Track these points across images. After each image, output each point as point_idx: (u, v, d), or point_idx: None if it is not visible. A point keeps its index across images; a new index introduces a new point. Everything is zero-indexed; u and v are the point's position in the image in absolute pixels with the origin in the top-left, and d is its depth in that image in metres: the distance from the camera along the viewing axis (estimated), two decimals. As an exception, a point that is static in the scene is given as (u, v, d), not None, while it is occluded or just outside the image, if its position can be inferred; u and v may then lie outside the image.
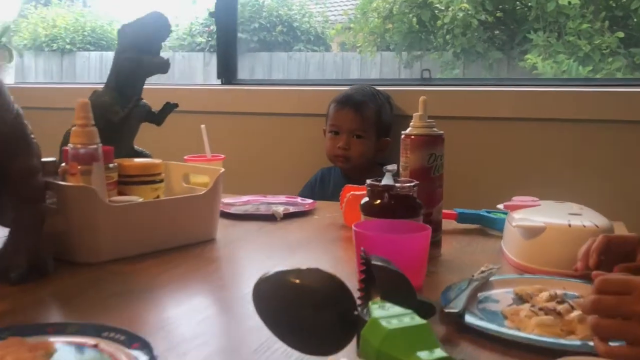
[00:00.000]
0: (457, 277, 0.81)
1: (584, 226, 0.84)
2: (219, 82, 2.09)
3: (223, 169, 1.02)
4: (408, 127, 0.93)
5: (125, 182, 1.01)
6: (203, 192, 1.00)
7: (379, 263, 0.55)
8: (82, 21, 5.45)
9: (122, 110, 1.06)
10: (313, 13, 5.25)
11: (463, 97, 1.75)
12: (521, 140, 1.74)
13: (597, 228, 0.84)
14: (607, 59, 3.83)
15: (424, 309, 0.56)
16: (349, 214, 1.10)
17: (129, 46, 1.05)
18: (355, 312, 0.52)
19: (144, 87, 1.10)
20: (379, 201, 0.83)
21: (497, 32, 4.46)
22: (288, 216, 1.21)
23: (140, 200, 0.95)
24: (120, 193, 1.00)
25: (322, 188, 1.80)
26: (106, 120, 1.04)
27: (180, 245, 0.97)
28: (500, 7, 4.24)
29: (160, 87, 2.07)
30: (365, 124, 1.72)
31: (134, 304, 0.73)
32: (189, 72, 3.99)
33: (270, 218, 1.19)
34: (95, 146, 0.90)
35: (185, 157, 1.40)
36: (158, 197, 1.03)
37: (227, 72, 2.06)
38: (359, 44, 4.64)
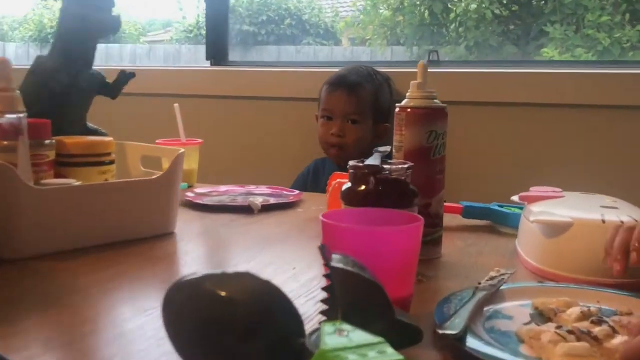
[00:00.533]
0: (459, 285, 0.64)
1: (622, 222, 0.67)
2: (207, 63, 1.92)
3: (182, 150, 0.86)
4: None
5: (66, 162, 0.85)
6: (157, 176, 0.83)
7: (339, 265, 0.38)
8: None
9: (67, 78, 0.90)
10: (323, 7, 5.09)
11: (473, 80, 1.57)
12: (537, 127, 1.56)
13: (637, 223, 0.66)
14: (627, 53, 3.64)
15: (404, 334, 0.39)
16: (333, 204, 0.93)
17: (74, 2, 0.88)
18: (301, 340, 0.35)
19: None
20: (362, 187, 0.66)
21: (512, 26, 4.27)
22: (268, 208, 1.04)
23: (76, 183, 0.78)
24: (58, 175, 0.83)
25: (315, 180, 1.62)
26: (49, 89, 0.88)
27: (128, 240, 0.80)
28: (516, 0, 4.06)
29: (145, 67, 1.91)
30: (361, 107, 1.54)
31: (47, 312, 0.57)
32: (196, 64, 3.89)
33: (247, 210, 1.03)
34: (16, 116, 0.73)
35: (157, 141, 1.24)
36: (106, 181, 0.87)
37: (216, 52, 1.89)
38: (368, 37, 4.47)
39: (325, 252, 0.40)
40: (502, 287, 0.60)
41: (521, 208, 0.94)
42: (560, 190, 0.82)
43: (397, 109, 0.76)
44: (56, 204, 0.74)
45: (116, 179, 0.91)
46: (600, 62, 2.26)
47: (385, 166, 0.65)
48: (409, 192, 0.66)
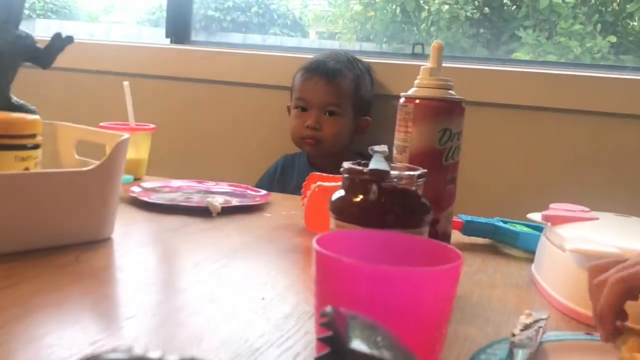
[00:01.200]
0: (481, 332, 0.49)
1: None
2: (167, 41, 1.73)
3: (127, 135, 0.68)
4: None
5: (-27, 144, 0.66)
6: (92, 166, 0.65)
7: (362, 349, 0.22)
8: (44, -14, 5.02)
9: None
10: (291, -3, 4.93)
11: (470, 78, 1.41)
12: (546, 133, 1.39)
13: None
14: (599, 63, 3.61)
15: None
16: (312, 214, 0.77)
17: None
18: None
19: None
20: (360, 197, 0.50)
21: (482, 30, 4.20)
22: (228, 211, 0.87)
23: (-17, 172, 0.60)
24: (-39, 160, 0.65)
25: (283, 179, 1.45)
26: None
27: (53, 247, 0.62)
28: (488, 3, 3.99)
29: (94, 41, 1.70)
30: (340, 97, 1.36)
31: None
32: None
33: (204, 212, 0.86)
34: None
35: (100, 125, 1.05)
36: (27, 170, 0.69)
37: (177, 30, 1.70)
38: (337, 30, 4.32)
39: (335, 320, 0.24)
40: (543, 340, 0.46)
41: (533, 227, 0.81)
42: (588, 209, 0.68)
43: (402, 100, 0.61)
44: (-51, 198, 0.55)
45: (42, 169, 0.72)
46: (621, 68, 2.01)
47: (393, 171, 0.49)
48: (420, 207, 0.51)
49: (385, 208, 0.49)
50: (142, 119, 1.15)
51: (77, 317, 0.47)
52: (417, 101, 0.59)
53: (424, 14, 4.17)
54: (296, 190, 1.34)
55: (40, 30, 4.41)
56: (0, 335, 0.43)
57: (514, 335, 0.45)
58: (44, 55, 0.78)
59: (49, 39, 0.79)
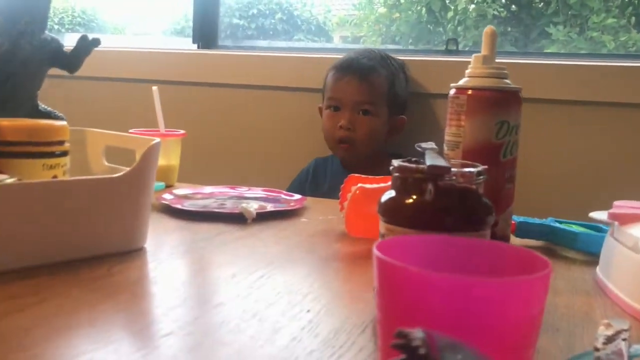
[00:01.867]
0: (553, 343, 0.44)
1: None
2: (194, 47, 1.70)
3: (158, 139, 0.65)
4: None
5: (1, 152, 0.63)
6: (122, 173, 0.62)
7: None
8: (71, 2, 5.09)
9: (10, 43, 0.68)
10: (315, 3, 4.90)
11: (525, 73, 1.33)
12: (599, 128, 1.32)
13: None
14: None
15: None
16: (354, 218, 0.73)
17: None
18: None
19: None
20: (413, 197, 0.45)
21: (509, 28, 4.12)
22: (263, 217, 0.83)
23: (10, 180, 0.57)
24: (-12, 170, 0.62)
25: (315, 183, 1.41)
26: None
27: (80, 259, 0.59)
28: (516, 0, 3.91)
29: (119, 49, 1.68)
30: (374, 95, 1.31)
31: None
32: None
33: (238, 219, 0.82)
34: None
35: (130, 131, 1.02)
36: (55, 178, 0.66)
37: (204, 35, 1.67)
38: (362, 34, 4.28)
39: (429, 342, 0.20)
40: (633, 355, 0.40)
41: (590, 227, 0.75)
42: (657, 207, 0.62)
43: (452, 92, 0.56)
44: (-26, 210, 0.52)
45: (71, 176, 0.69)
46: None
47: (452, 167, 0.45)
48: (482, 208, 0.46)
49: (443, 209, 0.44)
50: (171, 125, 1.13)
51: (111, 337, 0.43)
52: (470, 92, 0.54)
53: (450, 14, 4.11)
54: (329, 193, 1.30)
55: (69, 43, 4.48)
56: (27, 358, 0.39)
57: (597, 349, 0.40)
58: (71, 59, 0.76)
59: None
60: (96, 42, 0.75)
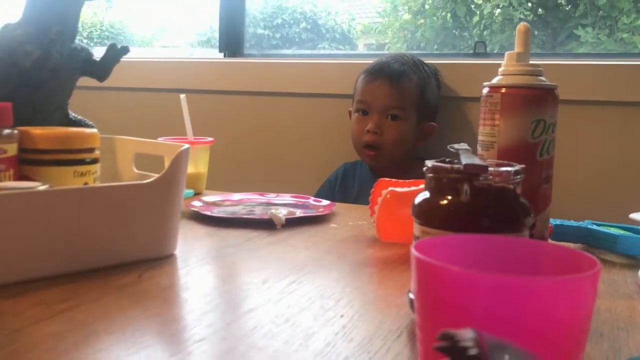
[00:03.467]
0: (598, 351, 0.42)
1: None
2: (221, 55, 1.71)
3: (187, 145, 0.64)
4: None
5: (32, 159, 0.64)
6: (152, 179, 0.62)
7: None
8: (100, 16, 5.20)
9: (42, 53, 0.69)
10: (339, 11, 4.92)
11: (558, 74, 1.30)
12: (633, 129, 1.29)
13: None
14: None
15: None
16: (385, 222, 0.71)
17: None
18: None
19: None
20: (449, 198, 0.44)
21: (536, 31, 4.07)
22: (293, 223, 0.83)
23: (42, 187, 0.57)
24: (21, 177, 0.63)
25: (343, 188, 1.40)
26: (18, 67, 0.67)
27: (110, 266, 0.59)
28: (542, 3, 3.86)
29: (146, 60, 1.70)
30: (404, 100, 1.29)
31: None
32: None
33: (267, 225, 0.81)
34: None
35: (159, 139, 1.03)
36: (86, 185, 0.66)
37: (231, 43, 1.68)
38: (386, 41, 4.27)
39: (481, 344, 0.19)
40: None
41: (629, 229, 0.73)
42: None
43: (485, 90, 0.54)
44: (11, 216, 0.52)
45: (102, 183, 0.70)
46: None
47: (488, 166, 0.43)
48: (520, 208, 0.45)
49: (480, 210, 0.43)
50: (199, 133, 1.13)
51: (143, 342, 0.43)
52: (504, 90, 0.52)
53: (475, 19, 4.09)
54: (358, 199, 1.29)
55: (98, 56, 4.57)
56: (70, 354, 0.39)
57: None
58: (100, 68, 0.76)
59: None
60: (125, 50, 0.76)
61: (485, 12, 4.15)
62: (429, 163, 0.46)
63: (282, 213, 0.83)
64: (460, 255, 0.34)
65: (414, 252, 0.30)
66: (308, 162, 1.54)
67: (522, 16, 4.29)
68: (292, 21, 4.99)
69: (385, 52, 4.04)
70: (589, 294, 0.28)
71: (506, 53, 0.54)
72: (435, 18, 4.48)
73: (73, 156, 0.65)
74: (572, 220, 0.76)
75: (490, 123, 0.53)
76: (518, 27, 0.53)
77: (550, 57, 1.56)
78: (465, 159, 0.43)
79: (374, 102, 1.30)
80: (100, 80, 0.77)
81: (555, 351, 0.28)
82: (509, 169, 0.44)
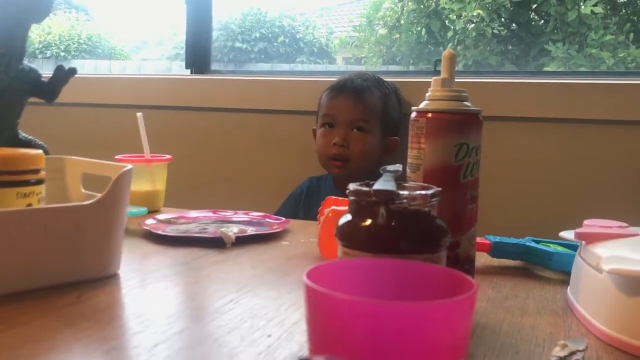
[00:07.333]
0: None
1: None
2: (187, 72, 1.73)
3: (130, 166, 0.65)
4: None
5: (-26, 182, 0.64)
6: (91, 200, 0.63)
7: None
8: (77, 29, 5.17)
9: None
10: (317, 25, 4.95)
11: (497, 92, 1.35)
12: (576, 146, 1.33)
13: None
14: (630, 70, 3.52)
15: None
16: (326, 241, 0.73)
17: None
18: None
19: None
20: (368, 222, 0.46)
21: (510, 46, 4.13)
22: (244, 241, 0.84)
23: (-21, 210, 0.57)
24: (-39, 199, 0.63)
25: (308, 203, 1.41)
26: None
27: (50, 286, 0.60)
28: (515, 19, 3.93)
29: (110, 76, 1.71)
30: (368, 113, 1.32)
31: None
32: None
33: (218, 243, 0.82)
34: None
35: (116, 157, 1.03)
36: (30, 206, 0.66)
37: (197, 60, 1.69)
38: (363, 55, 4.31)
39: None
40: (580, 379, 0.40)
41: (569, 246, 0.75)
42: (626, 225, 0.62)
43: (413, 115, 0.56)
44: (-59, 240, 0.53)
45: (47, 204, 0.70)
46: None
47: (401, 192, 0.45)
48: (435, 229, 0.46)
49: (396, 232, 0.45)
50: (161, 150, 1.14)
51: (65, 364, 0.44)
52: (430, 115, 0.54)
53: (449, 34, 4.15)
54: (320, 215, 1.31)
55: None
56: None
57: (546, 371, 0.40)
58: (49, 88, 0.77)
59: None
60: (72, 71, 0.77)
61: (458, 27, 4.20)
62: (351, 186, 0.48)
63: (232, 231, 0.84)
64: (354, 279, 0.35)
65: (304, 278, 0.31)
66: (272, 179, 1.56)
67: (495, 31, 4.34)
68: (270, 35, 4.99)
69: (359, 67, 4.06)
70: (465, 316, 0.30)
71: (433, 78, 0.56)
72: (410, 33, 4.53)
73: (16, 177, 0.66)
74: (512, 237, 0.78)
75: (416, 146, 0.55)
76: (444, 53, 0.55)
77: (507, 76, 1.59)
78: (378, 184, 0.44)
79: (339, 115, 1.33)
80: (48, 101, 0.77)
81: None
82: (423, 192, 0.46)
